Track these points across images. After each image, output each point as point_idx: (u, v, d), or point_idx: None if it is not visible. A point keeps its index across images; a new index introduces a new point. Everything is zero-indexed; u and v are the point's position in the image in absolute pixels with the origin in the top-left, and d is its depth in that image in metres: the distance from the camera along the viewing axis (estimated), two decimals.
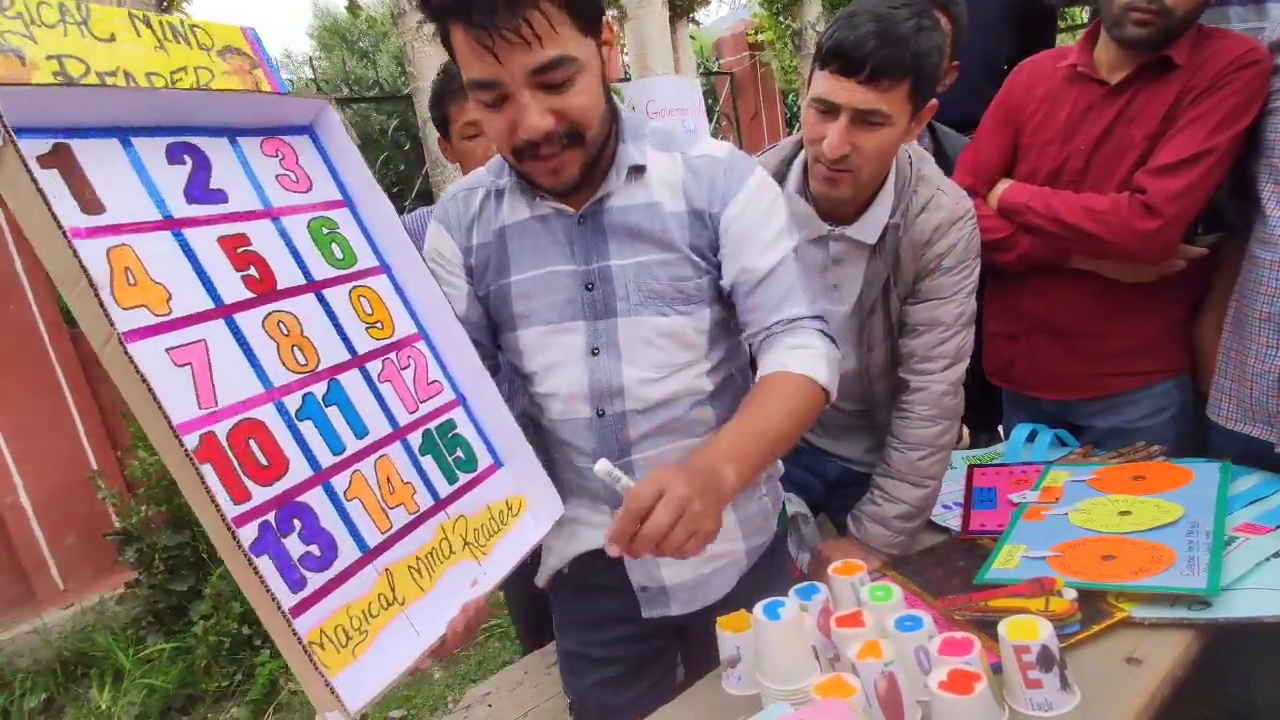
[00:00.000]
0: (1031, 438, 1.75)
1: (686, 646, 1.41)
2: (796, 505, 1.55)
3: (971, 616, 1.19)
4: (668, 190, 1.14)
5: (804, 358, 1.10)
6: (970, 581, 1.30)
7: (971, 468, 1.65)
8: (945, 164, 1.70)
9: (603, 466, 0.93)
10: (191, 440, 0.86)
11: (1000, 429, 2.10)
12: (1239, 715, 1.47)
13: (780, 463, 1.40)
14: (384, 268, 1.19)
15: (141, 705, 2.89)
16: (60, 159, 0.87)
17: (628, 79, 5.50)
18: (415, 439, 1.13)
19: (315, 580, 0.94)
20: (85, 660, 3.12)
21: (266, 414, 0.96)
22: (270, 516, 0.92)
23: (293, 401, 0.99)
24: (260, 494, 0.92)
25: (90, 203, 0.88)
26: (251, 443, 0.93)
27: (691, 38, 8.63)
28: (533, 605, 2.12)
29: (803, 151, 1.45)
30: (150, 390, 0.81)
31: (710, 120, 6.55)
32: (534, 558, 1.30)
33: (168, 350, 0.89)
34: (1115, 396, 1.70)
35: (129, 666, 3.03)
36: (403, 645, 1.01)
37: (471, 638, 1.09)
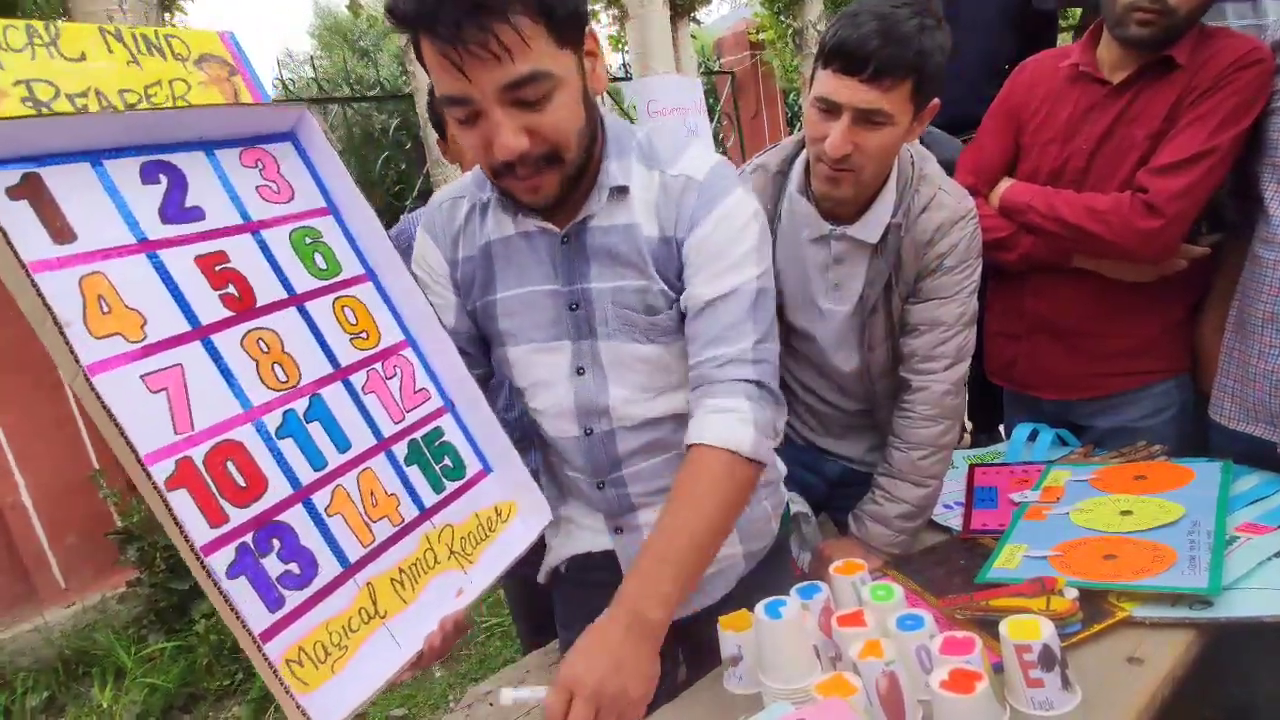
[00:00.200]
0: (1033, 437, 1.75)
1: (688, 645, 1.41)
2: (798, 504, 1.55)
3: (973, 616, 1.19)
4: (646, 212, 1.08)
5: (725, 425, 1.02)
6: (971, 581, 1.30)
7: (973, 467, 1.65)
8: None
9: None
10: (166, 467, 0.86)
11: (1001, 429, 2.10)
12: (1240, 715, 1.47)
13: (782, 464, 1.40)
14: (369, 274, 1.16)
15: (143, 704, 2.89)
16: (30, 188, 0.84)
17: (629, 78, 5.50)
18: (400, 450, 1.12)
19: (294, 598, 0.94)
20: (87, 659, 3.12)
21: (245, 434, 0.94)
22: (248, 538, 0.91)
23: (273, 420, 0.97)
24: (238, 516, 0.91)
25: (61, 231, 0.85)
26: (229, 464, 0.92)
27: (693, 37, 8.60)
28: (534, 604, 2.13)
29: (804, 151, 1.45)
30: (116, 424, 0.81)
31: (711, 119, 6.54)
32: (537, 554, 1.29)
33: (142, 377, 0.87)
34: (1116, 396, 1.70)
35: (130, 665, 3.03)
36: (383, 658, 1.01)
37: (450, 650, 1.09)
